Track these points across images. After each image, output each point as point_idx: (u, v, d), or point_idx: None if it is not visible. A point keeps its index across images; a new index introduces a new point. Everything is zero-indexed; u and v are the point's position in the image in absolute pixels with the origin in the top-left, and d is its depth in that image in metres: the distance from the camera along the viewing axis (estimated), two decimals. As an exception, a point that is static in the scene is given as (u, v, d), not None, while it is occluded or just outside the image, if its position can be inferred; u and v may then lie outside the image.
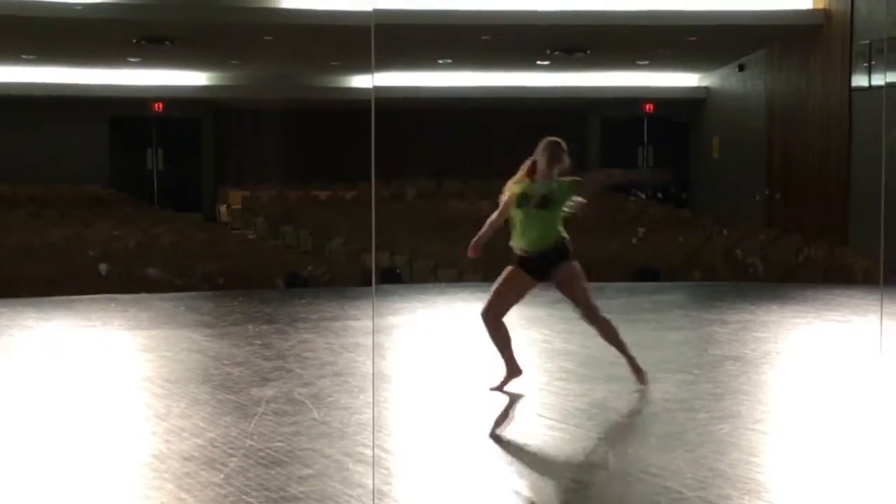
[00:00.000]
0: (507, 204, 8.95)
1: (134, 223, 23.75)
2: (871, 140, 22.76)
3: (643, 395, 8.80)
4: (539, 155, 8.94)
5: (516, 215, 8.89)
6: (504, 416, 8.29)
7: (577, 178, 8.93)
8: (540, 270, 8.87)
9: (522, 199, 8.83)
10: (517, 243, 8.89)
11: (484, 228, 8.97)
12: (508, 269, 8.93)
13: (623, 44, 25.30)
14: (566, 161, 8.95)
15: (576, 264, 8.92)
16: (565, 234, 8.93)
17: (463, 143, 30.29)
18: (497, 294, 8.91)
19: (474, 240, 8.98)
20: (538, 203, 8.79)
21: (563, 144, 8.99)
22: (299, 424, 7.90)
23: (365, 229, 21.79)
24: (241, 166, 30.35)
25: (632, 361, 9.08)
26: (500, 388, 8.96)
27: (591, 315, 9.00)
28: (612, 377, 9.28)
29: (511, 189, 8.94)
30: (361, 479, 6.59)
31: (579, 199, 8.96)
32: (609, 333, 9.06)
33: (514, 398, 8.83)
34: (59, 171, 29.07)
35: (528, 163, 8.99)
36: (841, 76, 23.85)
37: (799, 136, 25.48)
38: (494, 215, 9.00)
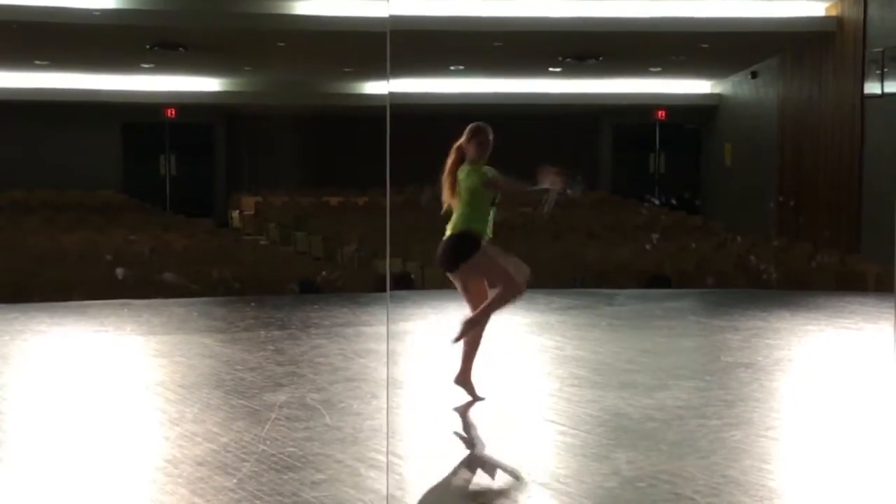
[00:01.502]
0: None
1: (147, 229, 23.80)
2: (883, 147, 22.75)
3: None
4: (468, 143, 8.78)
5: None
6: (516, 423, 8.30)
7: (490, 169, 8.73)
8: (445, 261, 8.74)
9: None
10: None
11: None
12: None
13: (635, 50, 25.32)
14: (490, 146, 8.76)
15: (479, 262, 8.64)
16: (475, 226, 8.69)
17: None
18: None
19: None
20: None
21: (489, 130, 8.80)
22: (312, 430, 7.92)
23: (377, 235, 21.80)
24: (254, 172, 30.41)
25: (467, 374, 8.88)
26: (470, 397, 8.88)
27: (474, 323, 8.76)
28: (623, 384, 9.29)
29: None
30: (374, 485, 6.61)
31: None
32: (473, 344, 8.85)
33: (525, 405, 8.84)
34: (72, 176, 29.16)
35: (453, 152, 8.84)
36: (853, 83, 23.83)
37: (811, 142, 25.46)
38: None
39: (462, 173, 8.75)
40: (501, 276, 8.62)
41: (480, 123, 8.85)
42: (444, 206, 8.90)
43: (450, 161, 8.86)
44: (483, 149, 8.76)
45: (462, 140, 8.83)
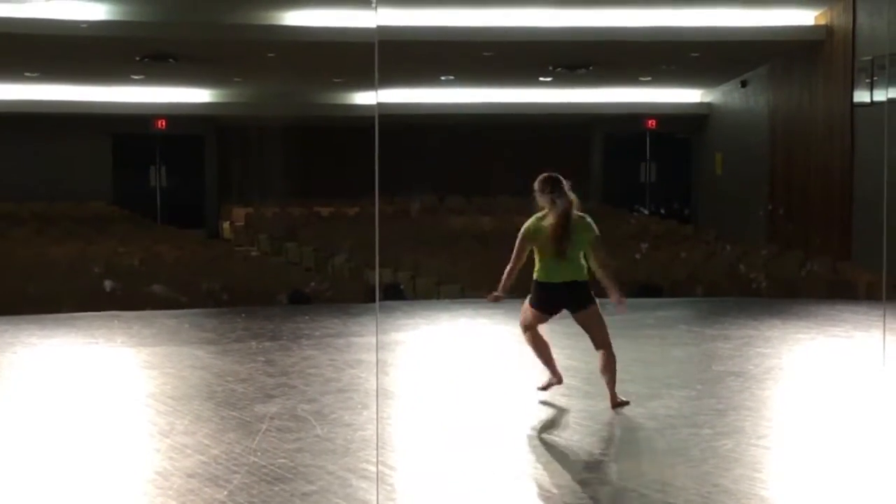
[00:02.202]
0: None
1: (137, 240, 23.77)
2: (873, 155, 22.75)
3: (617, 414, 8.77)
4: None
5: None
6: (507, 433, 8.29)
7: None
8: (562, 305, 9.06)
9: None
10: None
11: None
12: None
13: (626, 60, 25.35)
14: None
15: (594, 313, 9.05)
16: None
17: (465, 159, 30.33)
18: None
19: None
20: None
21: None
22: (303, 441, 7.91)
23: (367, 245, 21.79)
24: (244, 183, 30.38)
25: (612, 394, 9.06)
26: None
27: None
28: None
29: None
30: (365, 496, 6.60)
31: None
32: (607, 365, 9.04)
33: (517, 415, 8.83)
34: (63, 188, 29.12)
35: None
36: (843, 92, 23.86)
37: (801, 151, 25.49)
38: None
39: (582, 226, 8.74)
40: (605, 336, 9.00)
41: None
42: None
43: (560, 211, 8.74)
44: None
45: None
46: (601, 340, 8.90)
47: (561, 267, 8.77)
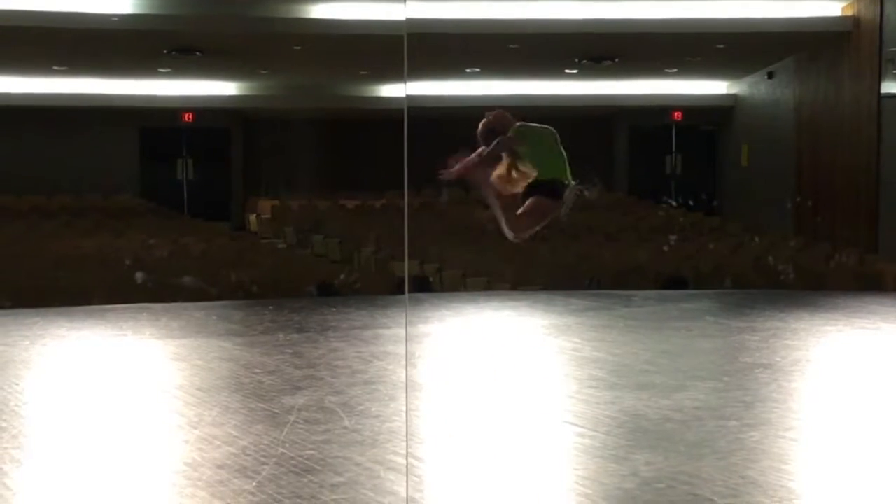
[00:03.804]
0: None
1: (165, 233, 23.85)
2: (901, 147, 22.68)
3: None
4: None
5: None
6: (535, 425, 8.31)
7: None
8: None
9: None
10: None
11: None
12: None
13: (651, 52, 25.28)
14: None
15: None
16: None
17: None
18: None
19: None
20: None
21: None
22: (331, 433, 7.94)
23: (394, 238, 21.82)
24: (271, 176, 30.42)
25: None
26: None
27: None
28: (641, 385, 9.29)
29: None
30: (393, 487, 6.62)
31: None
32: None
33: (544, 406, 8.85)
34: (91, 181, 29.23)
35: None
36: (870, 83, 23.76)
37: (828, 143, 25.40)
38: None
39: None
40: None
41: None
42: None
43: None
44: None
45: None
46: None
47: None
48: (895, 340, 11.89)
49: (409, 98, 26.61)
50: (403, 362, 10.44)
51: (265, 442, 7.68)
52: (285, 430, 8.01)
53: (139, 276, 17.90)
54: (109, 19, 21.03)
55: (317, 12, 22.27)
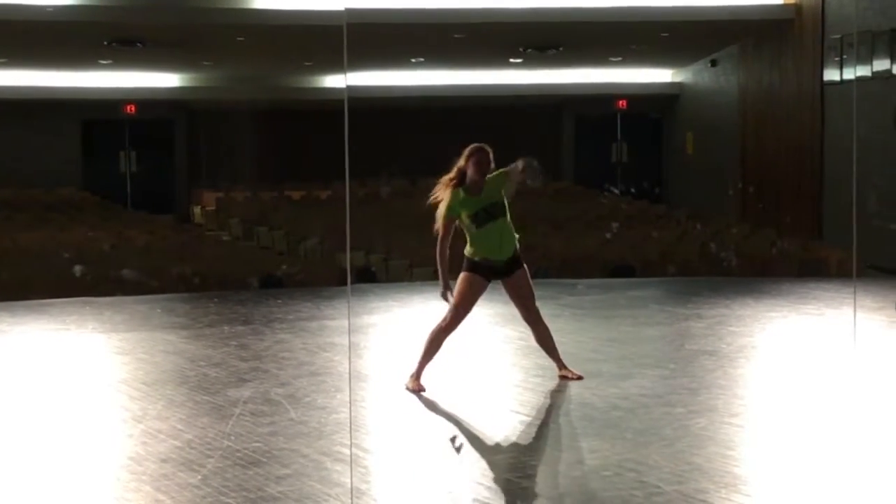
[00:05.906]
0: (448, 226, 8.70)
1: (107, 226, 23.67)
2: (843, 133, 22.86)
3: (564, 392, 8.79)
4: (466, 163, 8.74)
5: (469, 229, 8.73)
6: (481, 414, 8.29)
7: (502, 171, 8.77)
8: (496, 274, 8.82)
9: (474, 216, 8.69)
10: (481, 254, 8.75)
11: (441, 264, 8.69)
12: (464, 276, 8.76)
13: (596, 40, 25.37)
14: (492, 165, 8.76)
15: (526, 268, 8.95)
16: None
17: (436, 141, 30.26)
18: (463, 308, 8.80)
19: (443, 287, 8.77)
20: (492, 215, 8.69)
21: (489, 150, 8.78)
22: (276, 424, 7.89)
23: (339, 229, 21.76)
24: (215, 167, 30.30)
25: (561, 365, 9.18)
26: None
27: (534, 318, 9.05)
28: (587, 373, 9.29)
29: (448, 207, 8.69)
30: (339, 478, 6.59)
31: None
32: (544, 339, 9.13)
33: (490, 395, 8.84)
34: (32, 174, 28.97)
35: (454, 171, 8.77)
36: (813, 70, 23.95)
37: (772, 130, 25.58)
38: (441, 244, 8.67)
39: (493, 186, 8.68)
40: (529, 295, 9.00)
41: (478, 145, 8.77)
42: (442, 228, 8.73)
43: (447, 178, 8.76)
44: (482, 168, 8.67)
45: (461, 162, 8.75)
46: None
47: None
48: (839, 326, 11.97)
49: (352, 88, 26.56)
50: (349, 353, 10.39)
51: (210, 435, 7.62)
52: (231, 422, 7.96)
53: (77, 269, 17.73)
54: (44, 10, 20.80)
55: (258, 3, 22.16)
